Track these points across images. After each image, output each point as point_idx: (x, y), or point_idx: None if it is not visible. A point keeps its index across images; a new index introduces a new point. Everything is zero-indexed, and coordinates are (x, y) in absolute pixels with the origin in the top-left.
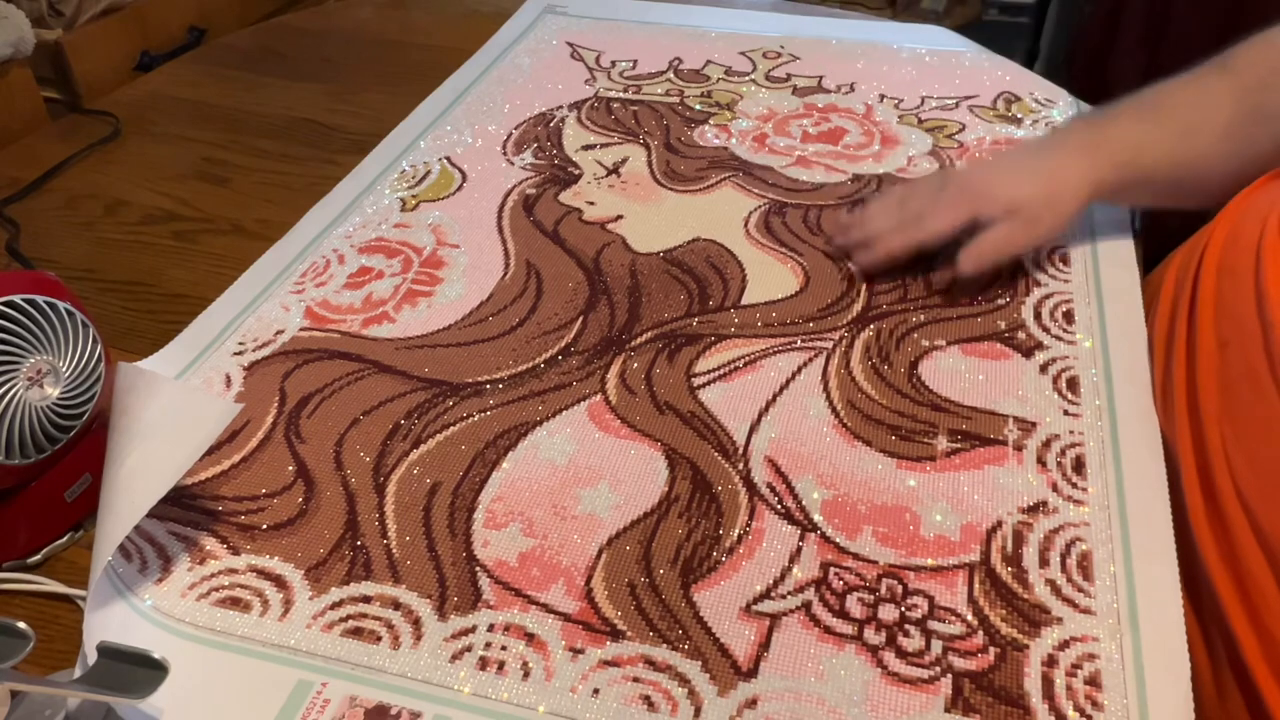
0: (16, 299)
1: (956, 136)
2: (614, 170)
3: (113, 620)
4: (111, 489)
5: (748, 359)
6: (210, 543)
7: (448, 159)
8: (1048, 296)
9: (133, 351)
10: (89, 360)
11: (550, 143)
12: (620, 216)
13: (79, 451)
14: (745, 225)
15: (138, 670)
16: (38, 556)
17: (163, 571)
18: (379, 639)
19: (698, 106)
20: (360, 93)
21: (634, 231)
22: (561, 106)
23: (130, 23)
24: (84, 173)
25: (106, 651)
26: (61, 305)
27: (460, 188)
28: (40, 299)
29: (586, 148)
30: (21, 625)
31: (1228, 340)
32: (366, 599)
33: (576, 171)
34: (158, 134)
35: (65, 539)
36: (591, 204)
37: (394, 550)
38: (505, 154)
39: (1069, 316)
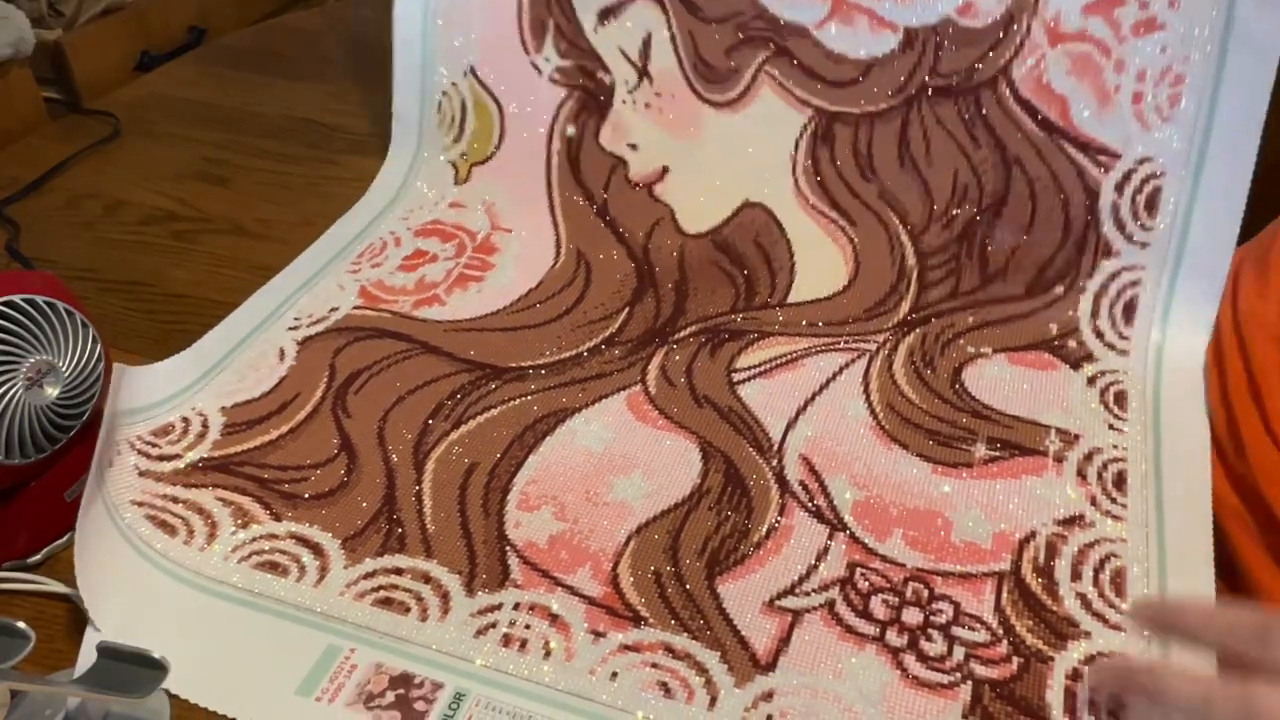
0: (16, 299)
1: None
2: (644, 72)
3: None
4: (89, 490)
5: (790, 357)
6: (254, 508)
7: (472, 71)
8: (1107, 283)
9: (133, 351)
10: (89, 360)
11: (565, 18)
12: (665, 170)
13: (79, 451)
14: (793, 172)
15: (138, 670)
16: (38, 556)
17: (209, 533)
18: (408, 610)
19: None
20: (360, 93)
21: (680, 195)
22: None
23: (130, 23)
24: (84, 173)
25: (106, 651)
26: (61, 305)
27: (503, 133)
28: (40, 299)
29: (601, 19)
30: (21, 625)
31: None
32: (399, 571)
33: (606, 78)
34: (157, 134)
35: (65, 539)
36: (633, 147)
37: (428, 526)
38: (526, 51)
39: (1129, 312)
